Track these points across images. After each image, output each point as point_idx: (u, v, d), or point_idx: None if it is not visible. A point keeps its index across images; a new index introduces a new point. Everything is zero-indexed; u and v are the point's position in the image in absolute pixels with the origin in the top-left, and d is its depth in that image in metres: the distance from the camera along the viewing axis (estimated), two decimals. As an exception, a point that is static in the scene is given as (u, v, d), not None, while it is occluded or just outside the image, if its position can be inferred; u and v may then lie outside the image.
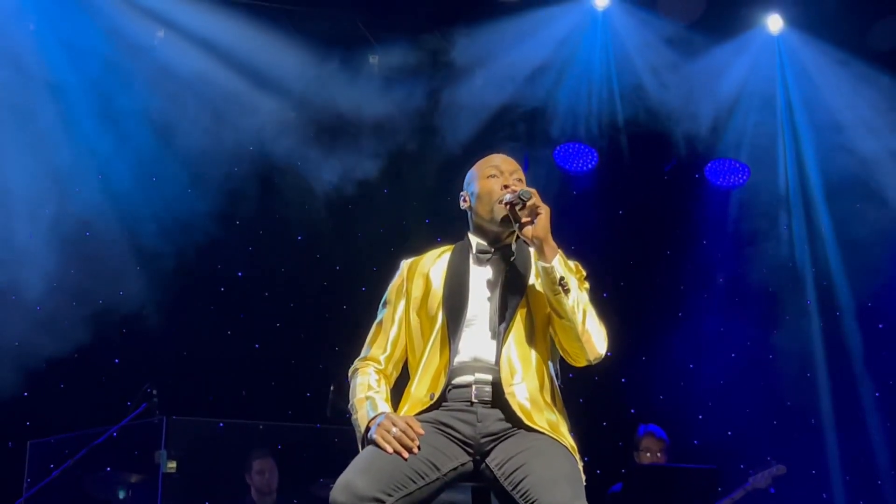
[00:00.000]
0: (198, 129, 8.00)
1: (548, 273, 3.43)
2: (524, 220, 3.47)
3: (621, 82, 8.56)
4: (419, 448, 3.30)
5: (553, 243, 3.45)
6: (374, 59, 8.33)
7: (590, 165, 9.01)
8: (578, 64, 8.54)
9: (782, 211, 8.98)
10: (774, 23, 8.45)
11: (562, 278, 3.42)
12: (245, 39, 8.04)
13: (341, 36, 8.29)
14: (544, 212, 3.46)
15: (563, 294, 3.42)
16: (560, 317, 3.47)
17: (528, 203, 3.46)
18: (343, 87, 8.22)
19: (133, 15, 7.76)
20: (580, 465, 3.38)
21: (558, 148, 8.91)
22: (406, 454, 3.28)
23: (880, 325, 8.80)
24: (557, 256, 3.45)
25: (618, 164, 9.01)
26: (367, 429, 3.44)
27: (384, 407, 3.51)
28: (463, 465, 3.40)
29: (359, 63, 8.32)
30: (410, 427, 3.33)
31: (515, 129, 8.55)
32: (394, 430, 3.33)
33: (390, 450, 3.29)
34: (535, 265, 3.56)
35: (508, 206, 3.52)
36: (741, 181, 9.07)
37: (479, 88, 8.41)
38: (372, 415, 3.46)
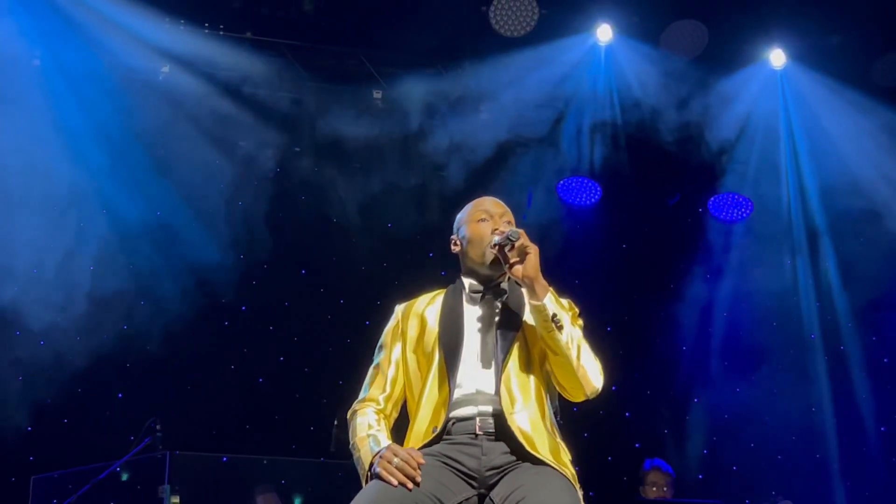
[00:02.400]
0: (202, 163, 8.04)
1: (539, 311, 3.45)
2: (513, 260, 3.49)
3: (625, 117, 8.56)
4: (422, 479, 3.29)
5: (543, 282, 3.47)
6: (377, 95, 8.37)
7: (593, 199, 9.02)
8: (582, 98, 8.56)
9: (786, 245, 8.98)
10: (777, 58, 8.46)
11: (554, 315, 3.44)
12: (250, 74, 8.09)
13: (346, 71, 8.34)
14: (533, 251, 3.47)
15: (556, 331, 3.44)
16: (555, 353, 3.49)
17: (517, 243, 3.48)
18: (347, 122, 8.26)
19: (137, 49, 7.79)
20: (580, 493, 3.38)
21: (562, 182, 8.93)
22: (410, 485, 3.28)
23: (885, 360, 8.79)
24: (549, 294, 3.47)
25: (621, 199, 9.03)
26: (371, 464, 3.43)
27: (387, 442, 3.51)
28: (467, 499, 3.39)
29: (363, 98, 8.36)
30: (412, 457, 3.34)
31: (519, 164, 8.58)
32: (395, 460, 3.33)
33: (394, 482, 3.29)
34: (528, 303, 3.57)
35: (497, 248, 3.54)
36: (744, 215, 9.07)
37: (482, 123, 8.44)
38: (375, 450, 3.46)
